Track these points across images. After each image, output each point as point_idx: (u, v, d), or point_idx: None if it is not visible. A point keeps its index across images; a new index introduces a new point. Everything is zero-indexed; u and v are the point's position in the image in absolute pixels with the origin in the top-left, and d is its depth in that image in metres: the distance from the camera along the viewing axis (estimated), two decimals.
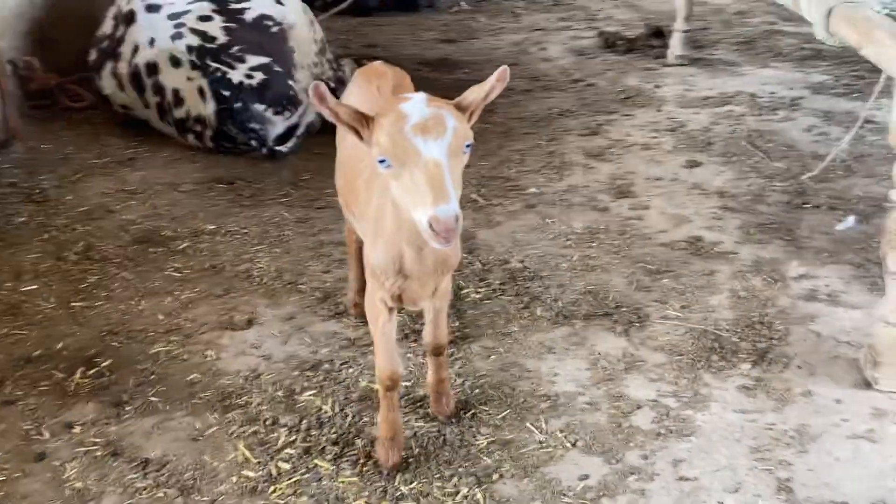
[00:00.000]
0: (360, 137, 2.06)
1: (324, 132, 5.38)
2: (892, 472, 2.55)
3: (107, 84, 5.13)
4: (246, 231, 4.11)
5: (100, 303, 3.53)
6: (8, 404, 2.93)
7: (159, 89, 4.92)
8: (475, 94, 2.06)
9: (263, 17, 4.99)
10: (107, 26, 5.29)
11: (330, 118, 2.05)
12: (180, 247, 3.96)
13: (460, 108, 2.03)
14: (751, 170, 4.71)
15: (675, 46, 6.59)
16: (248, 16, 4.96)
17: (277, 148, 4.90)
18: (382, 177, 2.06)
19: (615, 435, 2.75)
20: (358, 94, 2.75)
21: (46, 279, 3.72)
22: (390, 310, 2.42)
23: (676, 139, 5.16)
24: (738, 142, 5.06)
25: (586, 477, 2.58)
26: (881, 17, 2.97)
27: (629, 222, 4.17)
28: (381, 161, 1.96)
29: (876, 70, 6.47)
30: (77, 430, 2.80)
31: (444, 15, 8.66)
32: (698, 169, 4.75)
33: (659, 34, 7.10)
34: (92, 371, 3.08)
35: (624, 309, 3.43)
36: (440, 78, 6.53)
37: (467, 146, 1.97)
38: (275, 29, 5.00)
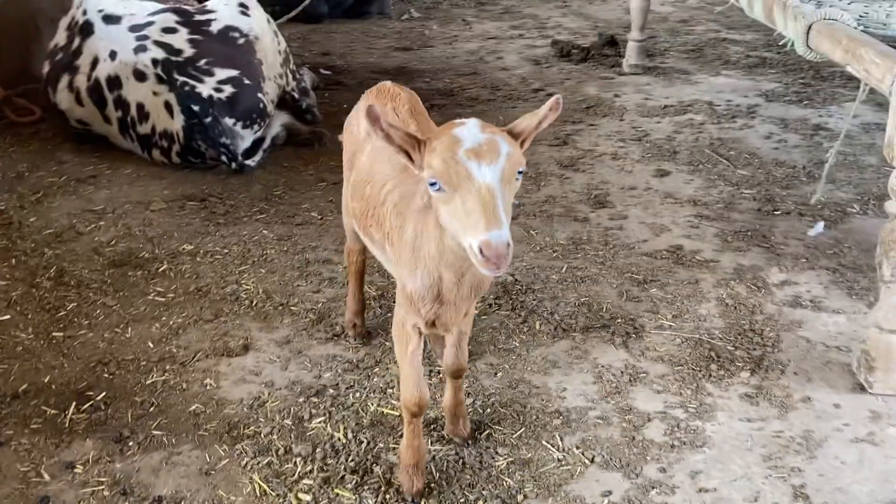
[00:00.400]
0: (412, 161, 2.03)
1: (287, 145, 5.32)
2: None
3: (63, 98, 4.91)
4: (227, 251, 4.00)
5: (83, 332, 3.37)
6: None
7: (122, 104, 4.74)
8: (528, 122, 2.06)
9: (229, 28, 4.86)
10: (60, 37, 5.07)
11: (382, 140, 2.02)
12: (160, 269, 3.82)
13: (512, 135, 2.02)
14: (718, 177, 4.85)
15: (630, 56, 6.73)
16: (214, 27, 4.83)
17: (246, 162, 4.79)
18: (427, 201, 2.03)
19: (631, 449, 2.79)
20: None
21: (20, 308, 3.53)
22: (419, 335, 2.39)
23: (643, 148, 5.26)
24: (702, 150, 5.20)
25: (609, 493, 2.61)
26: (864, 35, 3.10)
27: (610, 232, 4.23)
28: (432, 184, 1.94)
29: (821, 78, 6.77)
30: (79, 469, 2.67)
31: (395, 23, 8.62)
32: (668, 178, 4.86)
33: (612, 43, 7.23)
34: (86, 405, 2.95)
35: (619, 320, 3.48)
36: None
37: (520, 173, 1.96)
38: (241, 41, 4.88)
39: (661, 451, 2.77)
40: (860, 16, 3.63)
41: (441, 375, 3.07)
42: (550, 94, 6.39)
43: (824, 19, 3.36)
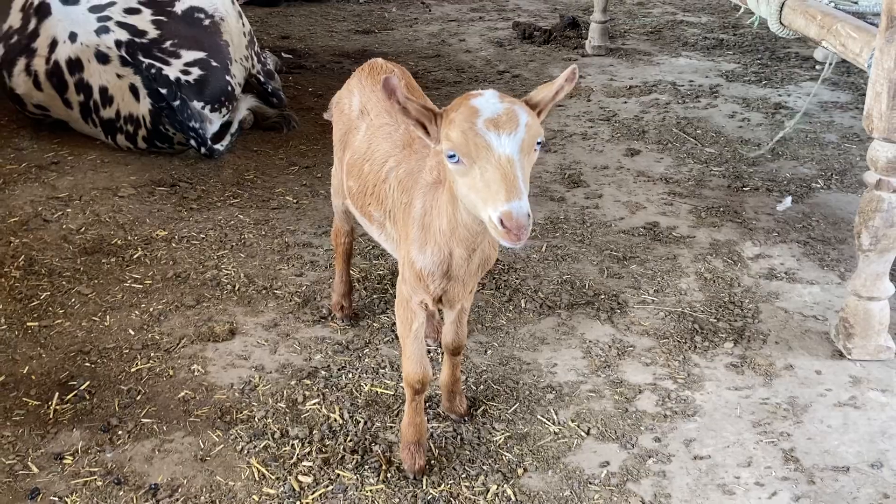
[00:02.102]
0: (427, 133, 2.00)
1: (255, 129, 5.22)
2: (880, 434, 2.76)
3: (19, 82, 4.72)
4: (203, 236, 3.91)
5: (59, 321, 3.27)
6: None
7: (84, 87, 4.59)
8: (545, 93, 2.05)
9: (194, 9, 4.74)
10: (14, 19, 4.87)
11: (398, 113, 1.99)
12: (135, 256, 3.72)
13: (530, 105, 2.01)
14: (687, 156, 4.93)
15: (593, 37, 6.78)
16: (178, 8, 4.69)
17: (215, 147, 4.69)
18: (437, 176, 2.01)
19: (624, 420, 2.83)
20: (363, 92, 2.67)
21: None
22: (424, 312, 2.38)
23: (612, 128, 5.32)
24: (670, 129, 5.28)
25: (607, 464, 2.64)
26: (838, 11, 3.17)
27: (587, 211, 4.27)
28: (451, 156, 1.92)
29: (778, 59, 6.92)
30: (68, 460, 2.60)
31: (354, 5, 8.51)
32: (639, 157, 4.92)
33: (574, 25, 7.28)
34: (70, 395, 2.86)
35: (602, 296, 3.52)
36: None
37: (538, 143, 1.96)
38: (207, 22, 4.76)
39: (654, 422, 2.82)
40: None
41: (433, 355, 3.07)
42: (516, 76, 6.48)
43: None
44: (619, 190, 4.51)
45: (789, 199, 4.35)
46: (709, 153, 4.95)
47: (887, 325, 3.07)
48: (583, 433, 2.76)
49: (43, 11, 4.72)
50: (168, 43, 4.56)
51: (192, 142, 4.55)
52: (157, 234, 3.91)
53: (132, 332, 3.21)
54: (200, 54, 4.61)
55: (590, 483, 2.57)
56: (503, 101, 1.95)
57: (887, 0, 2.59)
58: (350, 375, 3.00)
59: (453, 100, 2.07)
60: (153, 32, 4.57)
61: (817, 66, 6.38)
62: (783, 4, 3.47)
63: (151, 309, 3.36)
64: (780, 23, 3.51)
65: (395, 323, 3.28)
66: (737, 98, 5.76)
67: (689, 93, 5.88)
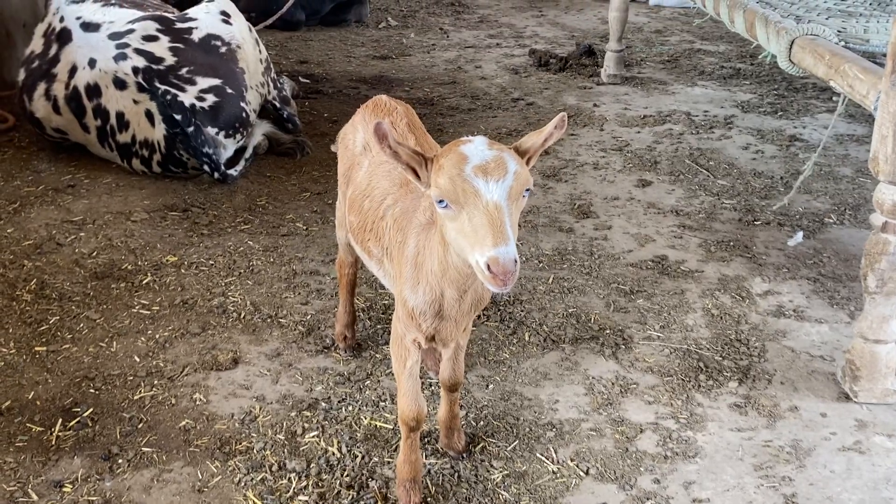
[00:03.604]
0: (418, 178, 2.03)
1: (269, 154, 5.28)
2: (884, 482, 2.71)
3: (39, 106, 4.82)
4: (212, 262, 3.95)
5: (66, 346, 3.31)
6: None
7: (101, 112, 4.67)
8: (533, 140, 2.06)
9: (211, 36, 4.82)
10: (36, 44, 4.98)
11: (389, 158, 2.01)
12: (144, 281, 3.77)
13: (518, 153, 2.03)
14: (699, 188, 4.91)
15: (609, 66, 6.79)
16: (196, 35, 4.78)
17: (228, 172, 4.75)
18: (430, 217, 2.03)
19: (624, 460, 2.81)
20: (366, 128, 2.69)
21: (0, 322, 3.46)
22: (418, 350, 2.39)
23: (624, 158, 5.31)
24: (683, 160, 5.26)
25: None
26: (846, 50, 3.16)
27: (595, 243, 4.26)
28: (440, 202, 1.94)
29: (794, 90, 6.89)
30: (67, 488, 2.62)
31: (372, 31, 8.60)
32: (650, 188, 4.91)
33: (590, 53, 7.30)
34: (73, 422, 2.89)
35: (608, 331, 3.51)
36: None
37: (527, 191, 1.97)
38: (223, 49, 4.84)
39: (654, 462, 2.79)
40: (839, 30, 3.71)
41: (434, 389, 3.07)
42: (531, 104, 6.51)
43: (806, 35, 3.43)
44: (629, 222, 4.50)
45: (801, 234, 4.31)
46: (721, 185, 4.92)
47: (894, 368, 3.02)
48: (581, 473, 2.74)
49: (64, 38, 4.82)
50: (184, 70, 4.63)
51: (206, 167, 4.61)
52: (167, 260, 3.95)
53: (137, 359, 3.24)
54: (216, 81, 4.68)
55: None
56: (492, 147, 1.96)
57: (893, 44, 2.58)
58: (350, 408, 3.01)
59: (446, 144, 2.08)
60: (170, 59, 4.64)
61: (834, 98, 6.35)
62: (793, 42, 3.46)
63: (157, 336, 3.39)
64: (790, 60, 3.50)
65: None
66: (751, 129, 5.74)
67: (704, 123, 5.87)
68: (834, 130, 5.63)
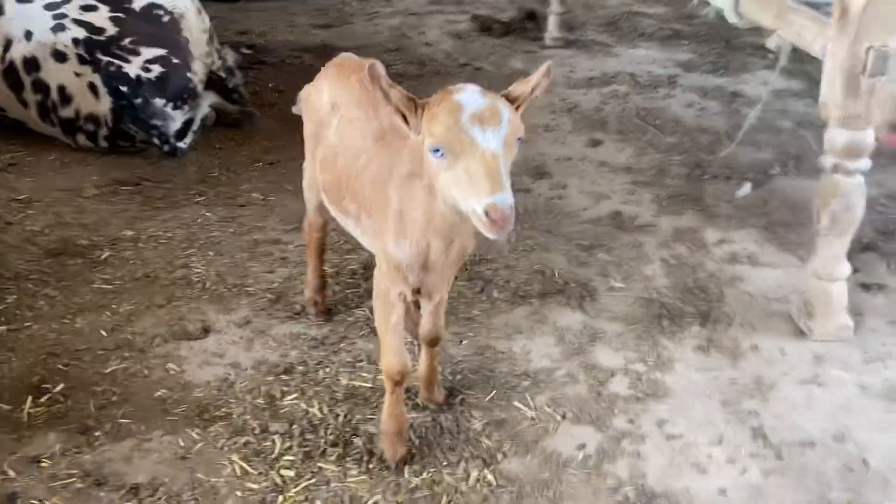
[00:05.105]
0: (407, 124, 2.04)
1: (216, 126, 5.18)
2: (842, 410, 2.87)
3: None
4: (170, 235, 3.88)
5: (28, 324, 3.22)
6: None
7: (41, 87, 4.50)
8: (522, 88, 2.09)
9: (153, 5, 4.68)
10: None
11: (381, 99, 2.02)
12: (102, 257, 3.68)
13: (508, 100, 2.05)
14: (647, 145, 5.02)
15: (552, 29, 6.86)
16: (136, 4, 4.63)
17: (178, 144, 4.65)
18: (411, 169, 2.04)
19: (598, 403, 2.90)
20: (332, 88, 2.68)
21: None
22: (403, 304, 2.41)
23: (574, 119, 5.40)
24: (630, 119, 5.37)
25: (583, 446, 2.71)
26: (793, 1, 3.27)
27: (552, 202, 4.33)
28: (434, 151, 1.95)
29: (733, 49, 7.06)
30: (45, 463, 2.57)
31: (313, 0, 8.46)
32: (601, 147, 5.01)
33: (532, 17, 7.34)
34: (43, 398, 2.83)
35: (572, 285, 3.59)
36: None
37: (518, 139, 2.00)
38: (166, 18, 4.71)
39: (627, 404, 2.89)
40: None
41: (412, 345, 3.10)
42: (478, 69, 6.51)
43: None
44: (583, 180, 4.58)
45: (748, 185, 4.47)
46: (669, 142, 5.05)
47: (846, 304, 3.19)
48: (559, 417, 2.82)
49: None
50: (127, 40, 4.50)
51: (155, 140, 4.50)
52: (124, 235, 3.87)
53: (104, 333, 3.18)
54: (161, 51, 4.56)
55: (567, 465, 2.63)
56: (486, 96, 1.99)
57: None
58: (327, 370, 3.02)
59: (434, 94, 2.10)
60: (112, 30, 4.51)
61: (770, 55, 6.54)
62: None
63: (122, 310, 3.33)
64: (737, 13, 3.61)
65: (369, 317, 3.32)
66: (694, 88, 5.89)
67: (648, 83, 5.99)
68: (773, 86, 5.82)
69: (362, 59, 2.76)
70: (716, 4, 3.85)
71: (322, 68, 2.91)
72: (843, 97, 2.75)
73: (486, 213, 1.88)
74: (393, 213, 2.24)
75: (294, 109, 3.19)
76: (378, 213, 2.33)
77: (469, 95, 1.97)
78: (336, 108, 2.63)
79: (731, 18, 3.65)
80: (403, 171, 2.22)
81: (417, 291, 2.36)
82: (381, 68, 1.96)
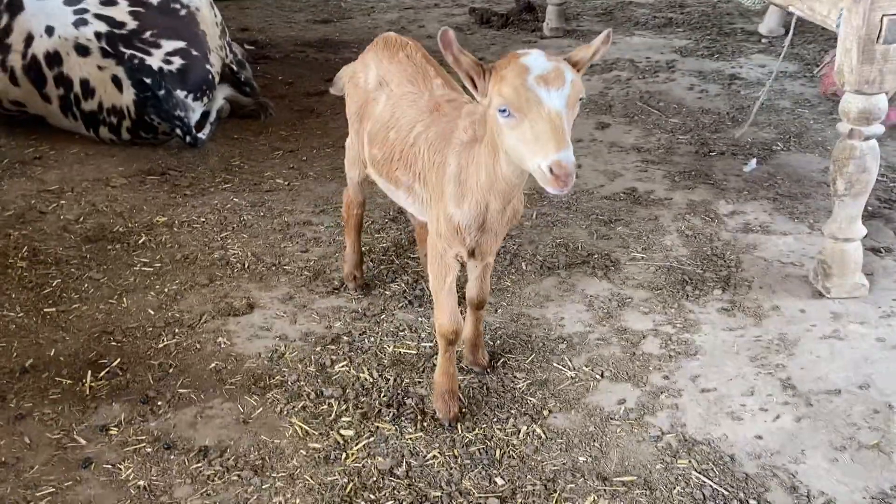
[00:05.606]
0: (475, 87, 2.17)
1: (231, 117, 5.28)
2: (864, 360, 3.04)
3: None
4: (203, 220, 3.98)
5: (76, 306, 3.32)
6: (21, 418, 2.73)
7: (64, 81, 4.58)
8: (583, 53, 2.23)
9: None
10: None
11: (451, 64, 2.15)
12: (139, 241, 3.78)
13: (570, 64, 2.18)
14: (654, 126, 5.19)
15: (550, 19, 7.01)
16: None
17: (198, 135, 4.75)
18: (472, 134, 2.17)
19: (633, 362, 3.05)
20: (380, 65, 2.80)
21: (0, 289, 3.42)
22: (458, 265, 2.54)
23: (580, 104, 5.53)
24: (634, 103, 5.54)
25: (624, 401, 2.85)
26: None
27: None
28: (502, 111, 2.08)
29: (726, 34, 7.24)
30: (114, 431, 2.68)
31: None
32: (609, 129, 5.17)
33: (530, 8, 7.49)
34: (103, 372, 2.93)
35: (596, 256, 3.74)
36: (331, 58, 6.52)
37: (580, 99, 2.13)
38: (183, 12, 4.80)
39: (661, 362, 3.04)
40: None
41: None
42: (480, 59, 6.62)
43: None
44: (596, 160, 4.73)
45: (754, 160, 4.64)
46: (673, 123, 5.22)
47: (861, 264, 3.36)
48: (597, 376, 2.97)
49: (15, 7, 4.68)
50: (148, 33, 4.59)
51: (178, 131, 4.59)
52: (157, 220, 3.97)
53: (152, 312, 3.29)
54: (181, 44, 4.66)
55: (611, 419, 2.77)
56: (550, 59, 2.12)
57: None
58: (372, 339, 3.15)
59: (503, 57, 2.23)
60: (132, 23, 4.59)
61: (762, 40, 6.74)
62: None
63: (166, 289, 3.43)
64: None
65: (405, 290, 3.45)
66: (693, 71, 6.06)
67: (648, 68, 6.16)
68: (767, 68, 6.01)
69: (405, 38, 2.89)
70: None
71: (367, 47, 3.02)
72: (858, 64, 2.92)
73: (551, 170, 2.01)
74: (452, 177, 2.37)
75: (332, 90, 3.31)
76: (435, 179, 2.45)
77: (535, 58, 2.10)
78: (384, 84, 2.76)
79: (747, 2, 3.81)
80: (464, 137, 2.35)
81: (471, 253, 2.49)
82: (452, 35, 2.10)
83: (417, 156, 2.53)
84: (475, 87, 2.19)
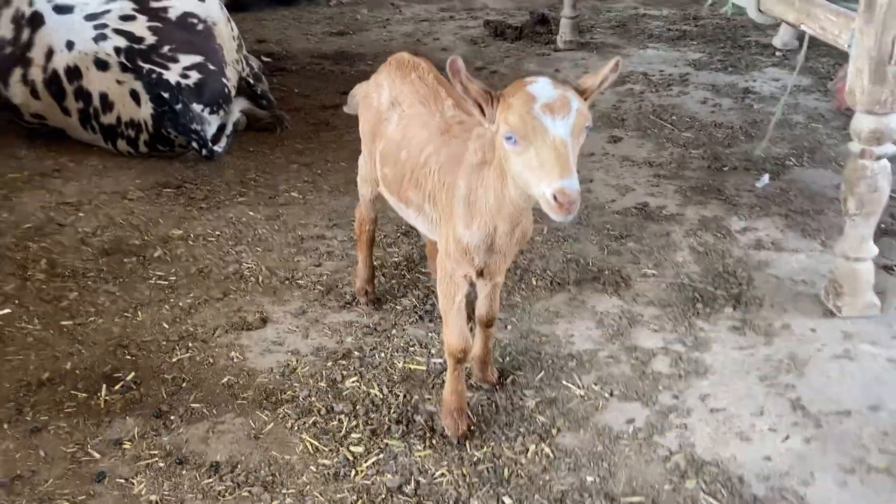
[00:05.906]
0: (483, 114, 2.20)
1: (247, 130, 5.34)
2: (875, 381, 3.03)
3: (17, 92, 4.76)
4: (218, 233, 4.03)
5: (92, 319, 3.37)
6: (37, 431, 2.78)
7: (83, 95, 4.66)
8: (591, 81, 2.25)
9: (187, 14, 4.84)
10: (5, 30, 4.90)
11: (460, 92, 2.18)
12: (155, 255, 3.83)
13: (578, 92, 2.21)
14: (666, 140, 5.19)
15: (564, 32, 7.03)
16: (172, 14, 4.79)
17: (214, 148, 4.80)
18: (482, 157, 2.20)
19: (643, 381, 3.05)
20: (392, 85, 2.84)
21: (18, 301, 3.49)
22: (467, 285, 2.57)
23: (593, 117, 5.54)
24: (647, 116, 5.55)
25: (633, 420, 2.86)
26: None
27: (581, 195, 4.48)
28: (508, 138, 2.11)
29: (740, 47, 7.24)
30: (127, 445, 2.72)
31: (325, 8, 8.63)
32: (621, 143, 5.18)
33: (544, 21, 7.52)
34: (117, 386, 2.98)
35: (606, 272, 3.75)
36: (346, 70, 6.58)
37: (587, 128, 2.16)
38: (200, 27, 4.87)
39: (670, 381, 3.05)
40: None
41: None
42: (494, 72, 6.68)
43: None
44: (608, 174, 4.75)
45: (767, 176, 4.64)
46: (686, 137, 5.22)
47: (872, 283, 3.35)
48: (606, 395, 2.98)
49: (36, 21, 4.77)
50: (166, 48, 4.66)
51: (194, 144, 4.66)
52: (173, 234, 4.02)
53: (166, 326, 3.33)
54: (198, 58, 4.72)
55: (619, 438, 2.78)
56: (557, 87, 2.14)
57: None
58: (382, 355, 3.17)
59: (510, 84, 2.26)
60: (150, 38, 4.66)
61: (776, 53, 6.74)
62: None
63: (181, 303, 3.48)
64: (759, 10, 3.78)
65: (416, 306, 3.48)
66: (706, 85, 6.06)
67: (661, 81, 6.17)
68: (782, 82, 6.00)
69: (417, 58, 2.93)
70: (737, 2, 4.02)
71: (380, 67, 3.05)
72: (869, 84, 2.92)
73: (555, 197, 2.03)
74: (462, 199, 2.40)
75: (346, 108, 3.35)
76: (445, 200, 2.48)
77: (541, 86, 2.13)
78: (396, 104, 2.79)
79: (753, 15, 3.82)
80: (474, 160, 2.37)
81: (480, 273, 2.51)
82: (461, 64, 2.12)
83: (428, 176, 2.56)
84: (483, 114, 2.21)
